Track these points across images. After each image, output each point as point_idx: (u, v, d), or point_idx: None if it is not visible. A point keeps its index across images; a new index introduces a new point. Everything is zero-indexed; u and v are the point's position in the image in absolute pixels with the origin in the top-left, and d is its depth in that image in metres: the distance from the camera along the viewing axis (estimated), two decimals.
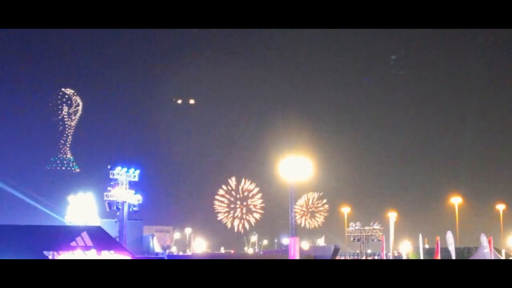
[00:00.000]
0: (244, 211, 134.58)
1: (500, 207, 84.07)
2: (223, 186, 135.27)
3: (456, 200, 75.02)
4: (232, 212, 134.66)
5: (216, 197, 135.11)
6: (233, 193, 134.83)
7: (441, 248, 56.26)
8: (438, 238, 58.33)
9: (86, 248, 43.73)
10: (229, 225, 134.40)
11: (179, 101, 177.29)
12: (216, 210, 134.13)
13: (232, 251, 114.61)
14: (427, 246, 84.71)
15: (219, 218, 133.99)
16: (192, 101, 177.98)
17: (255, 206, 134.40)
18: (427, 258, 68.93)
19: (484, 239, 66.07)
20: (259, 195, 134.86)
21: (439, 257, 56.88)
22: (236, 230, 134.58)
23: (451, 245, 60.40)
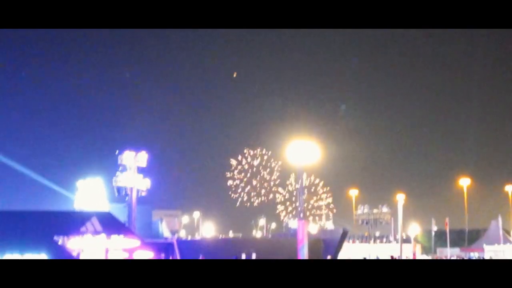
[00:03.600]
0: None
1: (509, 188, 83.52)
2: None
3: (464, 182, 74.66)
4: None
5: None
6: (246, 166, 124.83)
7: (450, 230, 56.37)
8: (447, 220, 58.40)
9: (95, 233, 44.03)
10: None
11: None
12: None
13: (241, 235, 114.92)
14: (435, 228, 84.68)
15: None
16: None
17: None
18: (436, 240, 69.13)
19: (496, 224, 66.49)
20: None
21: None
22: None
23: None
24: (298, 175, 51.55)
